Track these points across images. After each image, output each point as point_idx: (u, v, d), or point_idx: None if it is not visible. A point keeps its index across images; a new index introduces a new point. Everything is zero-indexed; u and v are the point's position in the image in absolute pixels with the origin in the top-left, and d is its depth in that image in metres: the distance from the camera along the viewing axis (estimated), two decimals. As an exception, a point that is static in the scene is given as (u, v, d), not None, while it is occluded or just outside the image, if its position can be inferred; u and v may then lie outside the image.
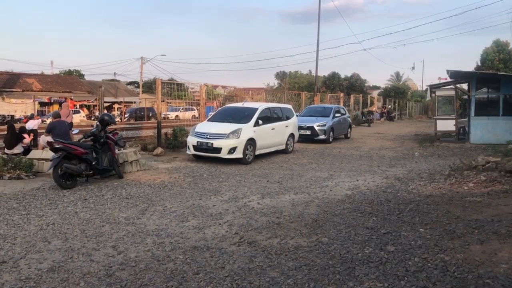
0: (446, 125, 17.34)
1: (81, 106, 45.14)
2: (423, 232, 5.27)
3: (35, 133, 13.15)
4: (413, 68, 75.76)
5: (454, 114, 17.51)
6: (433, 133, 18.41)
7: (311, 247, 4.84)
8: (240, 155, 11.28)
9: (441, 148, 15.33)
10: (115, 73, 67.36)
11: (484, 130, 16.08)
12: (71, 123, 12.11)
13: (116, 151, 9.35)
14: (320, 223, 5.77)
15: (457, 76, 17.74)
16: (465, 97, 20.83)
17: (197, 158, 11.95)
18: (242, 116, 12.37)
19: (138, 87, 60.02)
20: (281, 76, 65.93)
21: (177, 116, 35.45)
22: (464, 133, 18.12)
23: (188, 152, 12.02)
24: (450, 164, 10.33)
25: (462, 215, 5.89)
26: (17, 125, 12.99)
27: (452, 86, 18.30)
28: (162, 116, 18.12)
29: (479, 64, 39.15)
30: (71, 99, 45.94)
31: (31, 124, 13.69)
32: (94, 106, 45.72)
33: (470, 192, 7.35)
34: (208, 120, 13.07)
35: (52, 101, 42.81)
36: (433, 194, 7.47)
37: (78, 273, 4.16)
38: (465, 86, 19.63)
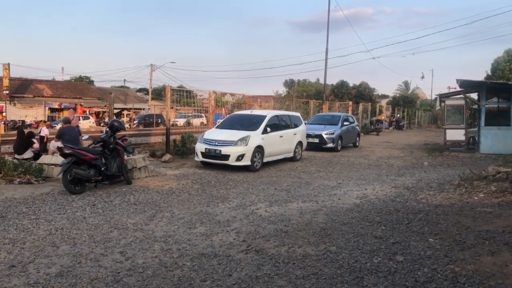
0: (456, 134, 17.20)
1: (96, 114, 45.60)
2: (432, 242, 5.21)
3: (41, 139, 13.26)
4: (422, 77, 75.56)
5: (464, 124, 17.37)
6: (442, 142, 18.27)
7: (319, 256, 4.80)
8: (248, 163, 11.27)
9: (450, 158, 15.21)
10: (124, 80, 67.89)
11: (494, 140, 15.92)
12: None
13: (125, 157, 9.40)
14: (328, 232, 5.74)
15: (467, 86, 17.63)
16: (475, 106, 20.66)
17: (205, 165, 11.97)
18: (251, 123, 12.39)
19: (147, 94, 60.44)
20: (289, 84, 65.99)
21: (187, 122, 35.50)
22: (474, 143, 17.94)
23: (196, 158, 12.05)
24: (460, 174, 10.24)
25: (472, 226, 5.82)
26: (26, 131, 13.08)
27: (461, 96, 18.19)
28: (171, 123, 18.20)
29: (489, 73, 38.93)
30: (81, 105, 46.46)
31: (43, 131, 13.81)
32: (104, 112, 46.11)
33: (480, 203, 7.27)
34: (217, 127, 13.10)
35: (62, 107, 43.31)
36: (443, 204, 7.39)
37: (86, 278, 4.17)
38: (475, 95, 19.48)
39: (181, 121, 36.95)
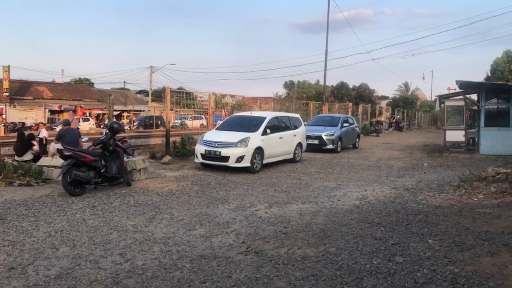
0: (456, 135, 17.21)
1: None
2: (432, 244, 5.21)
3: (41, 141, 13.26)
4: (423, 78, 76.07)
5: (464, 125, 17.38)
6: (442, 143, 18.27)
7: (319, 257, 4.80)
8: (248, 164, 11.28)
9: (450, 159, 15.21)
10: (124, 82, 67.94)
11: (494, 141, 15.93)
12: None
13: (125, 159, 9.41)
14: (328, 233, 5.74)
15: (466, 87, 17.65)
16: (475, 107, 20.66)
17: (205, 167, 11.97)
18: (250, 125, 12.40)
19: (147, 95, 60.51)
20: (289, 85, 66.12)
21: (181, 123, 35.48)
22: (473, 144, 17.95)
23: (196, 160, 12.05)
24: (460, 175, 10.24)
25: (472, 227, 5.82)
26: (27, 133, 13.09)
27: (461, 97, 18.21)
28: (171, 124, 18.18)
29: (489, 74, 38.98)
30: (81, 107, 46.49)
31: (42, 133, 13.83)
32: (103, 114, 46.14)
33: (480, 204, 7.27)
34: (216, 129, 13.10)
35: (62, 109, 43.35)
36: (442, 205, 7.39)
37: (86, 280, 4.17)
38: (474, 96, 19.51)
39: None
